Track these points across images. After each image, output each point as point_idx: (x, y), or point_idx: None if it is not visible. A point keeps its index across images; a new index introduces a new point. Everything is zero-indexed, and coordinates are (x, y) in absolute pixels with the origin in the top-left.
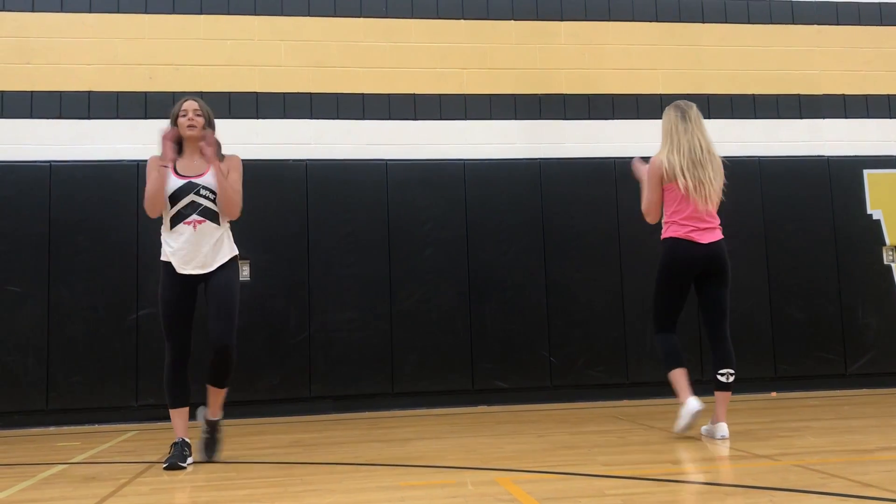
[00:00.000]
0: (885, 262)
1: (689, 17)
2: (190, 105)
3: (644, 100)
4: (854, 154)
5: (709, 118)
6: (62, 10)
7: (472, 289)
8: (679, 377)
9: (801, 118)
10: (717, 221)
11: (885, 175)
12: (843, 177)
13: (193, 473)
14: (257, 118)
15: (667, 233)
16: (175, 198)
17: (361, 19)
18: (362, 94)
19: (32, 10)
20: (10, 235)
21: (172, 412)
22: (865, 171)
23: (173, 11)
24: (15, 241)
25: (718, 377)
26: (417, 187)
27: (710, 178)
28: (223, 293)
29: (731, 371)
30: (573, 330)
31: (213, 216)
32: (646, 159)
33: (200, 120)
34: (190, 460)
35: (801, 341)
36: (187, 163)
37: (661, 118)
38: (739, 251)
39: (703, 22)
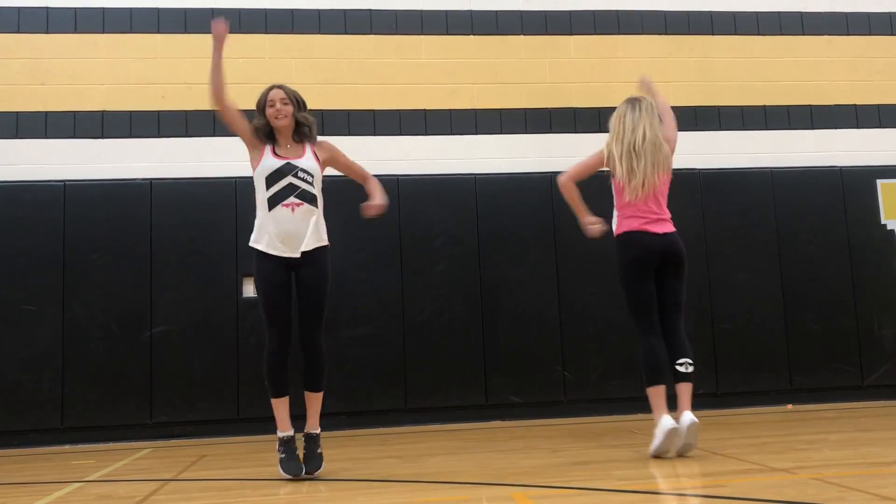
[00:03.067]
0: None
1: (699, 29)
2: (276, 94)
3: None
4: (867, 164)
5: (720, 130)
6: (76, 31)
7: (484, 303)
8: (657, 395)
9: (813, 129)
10: (668, 215)
11: None
12: (856, 187)
13: (205, 490)
14: None
15: (620, 228)
16: (273, 179)
17: (372, 36)
18: (373, 110)
19: (46, 32)
20: (26, 254)
21: (276, 402)
22: (878, 181)
23: (185, 31)
24: (30, 260)
25: (677, 367)
26: (429, 202)
27: (643, 169)
28: (316, 292)
29: (689, 360)
30: (587, 344)
31: (311, 199)
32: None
33: (289, 108)
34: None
35: (816, 353)
36: (282, 148)
37: None
38: (753, 262)
39: (713, 34)
